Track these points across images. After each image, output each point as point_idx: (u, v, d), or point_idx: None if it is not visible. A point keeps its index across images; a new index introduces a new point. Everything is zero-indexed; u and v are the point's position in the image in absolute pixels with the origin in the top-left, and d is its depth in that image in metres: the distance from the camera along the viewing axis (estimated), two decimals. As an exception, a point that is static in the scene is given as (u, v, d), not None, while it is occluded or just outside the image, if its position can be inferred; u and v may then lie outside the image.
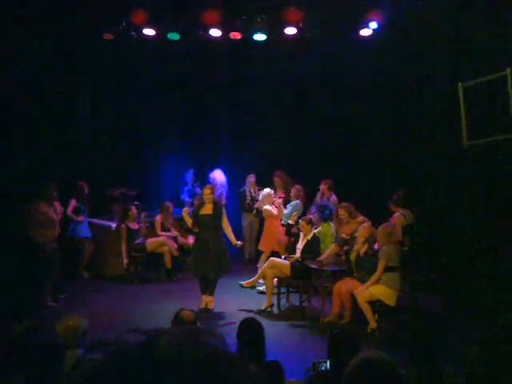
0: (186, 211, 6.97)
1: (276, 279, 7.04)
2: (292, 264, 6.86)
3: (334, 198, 8.41)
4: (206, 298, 6.81)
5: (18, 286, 6.59)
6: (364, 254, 6.31)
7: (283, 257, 7.31)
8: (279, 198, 8.35)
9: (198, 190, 9.17)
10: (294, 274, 6.80)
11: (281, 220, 8.07)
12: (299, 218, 7.62)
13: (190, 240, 8.13)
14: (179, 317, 3.36)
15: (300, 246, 7.06)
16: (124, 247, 8.43)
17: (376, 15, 8.13)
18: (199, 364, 0.63)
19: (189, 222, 6.90)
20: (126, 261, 8.46)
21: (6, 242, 6.81)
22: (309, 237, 7.00)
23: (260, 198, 8.33)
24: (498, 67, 6.26)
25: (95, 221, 8.82)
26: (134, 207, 8.63)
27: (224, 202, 8.91)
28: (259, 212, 8.71)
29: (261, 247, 8.16)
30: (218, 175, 9.25)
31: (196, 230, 6.89)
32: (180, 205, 9.39)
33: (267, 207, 8.00)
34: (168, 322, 3.44)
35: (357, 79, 9.24)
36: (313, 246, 6.94)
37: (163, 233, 8.68)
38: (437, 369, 2.86)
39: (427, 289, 6.86)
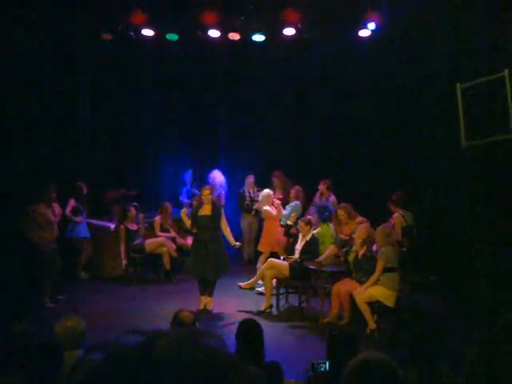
0: (184, 212, 6.97)
1: (275, 280, 7.04)
2: (291, 265, 6.85)
3: (332, 198, 8.40)
4: (204, 299, 6.80)
5: (16, 287, 6.59)
6: (362, 256, 6.31)
7: (282, 258, 7.31)
8: (277, 198, 8.35)
9: (197, 191, 9.17)
10: (293, 275, 6.79)
11: (280, 221, 8.07)
12: (298, 218, 7.61)
13: (189, 241, 8.13)
14: (178, 318, 3.35)
15: (299, 246, 7.06)
16: (123, 248, 8.42)
17: (374, 16, 8.13)
18: (198, 365, 0.63)
19: (187, 222, 6.89)
20: (124, 261, 8.45)
21: (5, 243, 6.80)
22: (307, 238, 6.99)
23: (260, 198, 8.33)
24: (497, 67, 6.26)
25: (94, 221, 8.82)
26: (133, 208, 8.63)
27: (223, 202, 8.90)
28: (258, 213, 8.71)
29: (260, 248, 8.16)
30: (217, 176, 9.25)
31: (195, 231, 6.88)
32: (179, 205, 9.39)
33: (266, 208, 8.00)
34: (167, 323, 3.44)
35: (357, 79, 9.23)
36: (311, 247, 6.93)
37: (162, 233, 8.67)
38: (436, 369, 2.86)
39: (427, 289, 6.86)
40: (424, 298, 6.77)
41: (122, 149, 10.09)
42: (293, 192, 8.22)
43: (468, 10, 6.68)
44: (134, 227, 8.55)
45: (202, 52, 9.41)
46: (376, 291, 5.97)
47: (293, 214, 7.86)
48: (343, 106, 9.58)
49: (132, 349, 0.65)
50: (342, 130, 9.70)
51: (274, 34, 8.60)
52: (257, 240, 8.92)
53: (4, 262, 6.63)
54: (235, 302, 7.15)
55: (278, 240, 7.93)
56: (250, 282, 7.37)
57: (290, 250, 7.41)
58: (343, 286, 6.30)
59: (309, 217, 7.56)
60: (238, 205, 9.56)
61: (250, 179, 9.46)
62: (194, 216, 6.79)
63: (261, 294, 7.37)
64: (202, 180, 9.44)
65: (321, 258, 6.86)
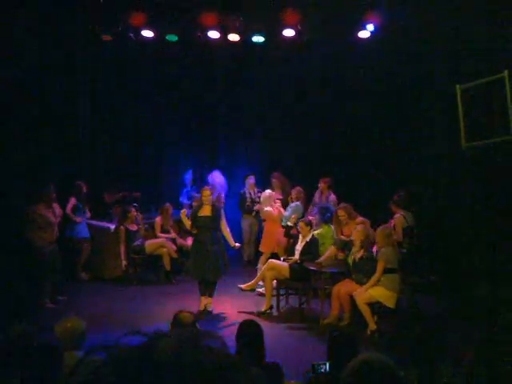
0: (184, 213, 6.96)
1: (275, 281, 7.03)
2: (291, 266, 6.84)
3: (332, 196, 8.40)
4: (205, 300, 6.80)
5: (16, 288, 6.59)
6: (359, 259, 6.31)
7: (282, 259, 7.30)
8: (277, 199, 8.35)
9: (195, 193, 9.16)
10: (293, 276, 6.78)
11: (281, 221, 8.07)
12: (299, 219, 7.60)
13: (189, 242, 8.12)
14: (178, 318, 3.35)
15: (299, 247, 7.05)
16: (122, 249, 8.43)
17: (374, 17, 8.12)
18: (199, 366, 0.63)
19: (187, 223, 6.89)
20: (124, 262, 8.45)
21: (5, 243, 6.80)
22: (307, 238, 6.98)
23: (261, 199, 8.33)
24: (497, 68, 6.26)
25: (94, 222, 8.81)
26: (133, 209, 8.64)
27: (223, 203, 8.89)
28: (259, 214, 8.72)
29: (261, 248, 8.15)
30: (217, 176, 9.25)
31: (194, 232, 6.88)
32: (179, 206, 9.39)
33: (268, 209, 7.99)
34: (167, 324, 3.43)
35: (357, 79, 9.24)
36: (311, 248, 6.93)
37: (162, 234, 8.67)
38: (436, 369, 2.86)
39: (427, 290, 6.86)
40: (424, 298, 6.77)
41: (121, 149, 10.09)
42: (293, 193, 8.22)
43: (468, 10, 6.67)
44: (134, 228, 8.55)
45: (201, 53, 9.41)
46: (376, 292, 5.96)
47: (293, 216, 7.85)
48: (343, 106, 9.58)
49: (133, 350, 0.65)
50: (342, 129, 9.70)
51: (273, 35, 8.60)
52: (257, 241, 8.92)
53: (4, 262, 6.63)
54: (235, 303, 7.15)
55: (279, 241, 7.92)
56: (250, 283, 7.37)
57: (290, 251, 7.41)
58: (343, 287, 6.30)
59: (310, 217, 7.56)
60: (239, 206, 9.56)
61: (251, 180, 9.46)
62: (193, 217, 6.79)
63: (261, 294, 7.37)
64: (202, 181, 9.43)
65: (321, 259, 6.85)
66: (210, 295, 6.82)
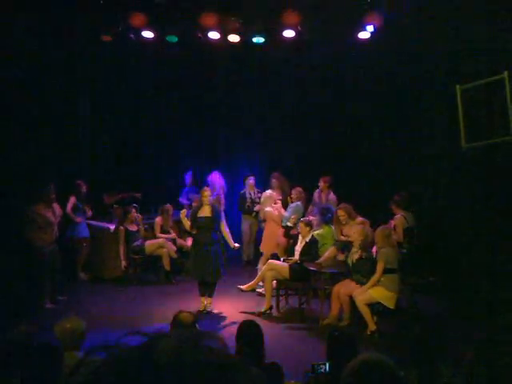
0: (183, 213, 6.96)
1: (275, 281, 7.03)
2: (291, 266, 6.84)
3: (332, 195, 8.40)
4: (205, 300, 6.80)
5: (16, 288, 6.59)
6: (357, 259, 6.30)
7: (282, 259, 7.30)
8: (277, 199, 8.34)
9: (195, 193, 9.16)
10: (293, 277, 6.78)
11: (281, 222, 8.07)
12: (299, 219, 7.60)
13: (189, 242, 8.12)
14: (178, 319, 3.35)
15: (298, 248, 7.05)
16: (122, 249, 8.42)
17: (374, 18, 8.11)
18: (199, 366, 0.63)
19: (186, 224, 6.88)
20: (124, 263, 8.45)
21: (5, 243, 6.80)
22: (307, 239, 6.98)
23: (262, 199, 8.33)
24: (497, 68, 6.26)
25: (93, 222, 8.81)
26: (133, 209, 8.64)
27: (223, 203, 8.89)
28: (258, 214, 8.72)
29: (261, 249, 8.14)
30: (216, 177, 9.25)
31: (194, 233, 6.88)
32: (179, 207, 9.38)
33: (268, 209, 7.99)
34: (167, 324, 3.43)
35: (357, 79, 9.24)
36: (311, 248, 6.92)
37: (162, 235, 8.67)
38: (436, 369, 2.86)
39: (427, 291, 6.86)
40: (424, 299, 6.77)
41: (121, 149, 10.09)
42: (294, 193, 8.21)
43: (468, 10, 6.67)
44: (133, 228, 8.55)
45: (201, 54, 9.40)
46: (376, 292, 5.96)
47: (293, 216, 7.84)
48: (343, 106, 9.58)
49: (133, 350, 0.65)
50: (342, 129, 9.70)
51: (273, 35, 8.60)
52: (256, 241, 8.91)
53: (4, 262, 6.63)
54: (235, 303, 7.15)
55: (279, 241, 7.92)
56: (250, 284, 7.36)
57: (290, 252, 7.41)
58: (343, 288, 6.29)
59: (311, 217, 7.56)
60: (239, 206, 9.56)
61: (251, 181, 9.46)
62: (193, 217, 6.79)
63: (261, 294, 7.37)
64: (202, 181, 9.43)
65: (321, 259, 6.85)
66: (210, 295, 6.82)
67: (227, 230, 6.97)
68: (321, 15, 8.09)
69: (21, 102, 7.74)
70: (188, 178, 9.92)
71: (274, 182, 8.83)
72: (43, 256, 6.94)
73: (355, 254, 6.34)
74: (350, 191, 8.39)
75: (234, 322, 6.05)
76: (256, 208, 9.04)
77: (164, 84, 10.05)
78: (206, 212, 6.74)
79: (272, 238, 7.94)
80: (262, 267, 7.46)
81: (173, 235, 8.81)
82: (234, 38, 8.61)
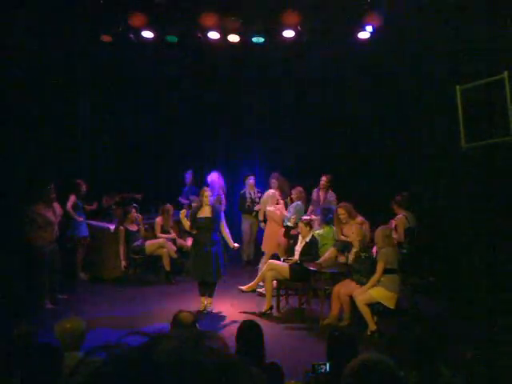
0: (183, 213, 6.95)
1: (275, 281, 7.03)
2: (291, 266, 6.84)
3: (331, 194, 8.40)
4: (205, 300, 6.81)
5: (16, 288, 6.59)
6: (355, 259, 6.30)
7: (282, 259, 7.29)
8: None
9: (195, 193, 9.16)
10: (293, 277, 6.78)
11: (282, 222, 8.07)
12: (299, 219, 7.60)
13: (189, 242, 8.12)
14: (178, 319, 3.35)
15: (298, 248, 7.05)
16: (122, 249, 8.42)
17: (373, 18, 8.11)
18: (200, 366, 0.63)
19: (186, 224, 6.88)
20: (123, 263, 8.45)
21: (5, 243, 6.80)
22: (307, 239, 6.98)
23: (263, 198, 8.33)
24: (497, 68, 6.26)
25: (93, 222, 8.81)
26: (133, 209, 8.64)
27: (223, 203, 8.89)
28: (258, 214, 8.72)
29: (264, 248, 8.14)
30: (216, 177, 9.25)
31: (194, 233, 6.88)
32: (179, 207, 9.38)
33: (271, 209, 7.99)
34: (167, 324, 3.43)
35: (357, 79, 9.24)
36: (311, 248, 6.92)
37: (162, 235, 8.67)
38: (436, 369, 2.86)
39: (427, 291, 6.86)
40: (424, 299, 6.77)
41: (121, 149, 10.09)
42: (294, 193, 8.21)
43: (468, 10, 6.67)
44: (134, 228, 8.55)
45: (201, 54, 9.40)
46: (376, 292, 5.96)
47: (293, 216, 7.84)
48: (343, 106, 9.58)
49: (133, 350, 0.64)
50: (342, 129, 9.70)
51: (273, 35, 8.60)
52: (256, 241, 8.90)
53: (4, 262, 6.62)
54: (235, 303, 7.15)
55: (279, 241, 7.92)
56: (250, 284, 7.35)
57: (290, 252, 7.41)
58: (343, 288, 6.29)
59: (312, 216, 7.56)
60: (239, 206, 9.56)
61: (251, 180, 9.46)
62: (193, 218, 6.78)
63: (261, 294, 7.36)
64: (202, 181, 9.43)
65: (321, 259, 6.85)
66: (210, 295, 6.82)
67: (227, 230, 6.96)
68: (321, 15, 8.09)
69: (21, 102, 7.74)
70: (188, 176, 9.93)
71: (273, 182, 8.83)
72: (43, 255, 6.94)
73: (355, 254, 6.34)
74: (350, 191, 8.39)
75: (234, 322, 6.06)
76: (256, 208, 9.04)
77: (164, 84, 10.05)
78: (206, 212, 6.74)
79: (273, 237, 7.94)
80: (262, 267, 7.46)
81: (173, 235, 8.81)
82: (233, 38, 8.60)
